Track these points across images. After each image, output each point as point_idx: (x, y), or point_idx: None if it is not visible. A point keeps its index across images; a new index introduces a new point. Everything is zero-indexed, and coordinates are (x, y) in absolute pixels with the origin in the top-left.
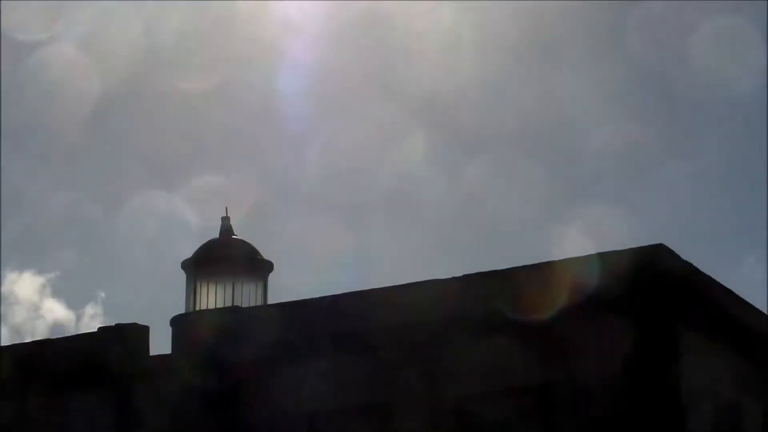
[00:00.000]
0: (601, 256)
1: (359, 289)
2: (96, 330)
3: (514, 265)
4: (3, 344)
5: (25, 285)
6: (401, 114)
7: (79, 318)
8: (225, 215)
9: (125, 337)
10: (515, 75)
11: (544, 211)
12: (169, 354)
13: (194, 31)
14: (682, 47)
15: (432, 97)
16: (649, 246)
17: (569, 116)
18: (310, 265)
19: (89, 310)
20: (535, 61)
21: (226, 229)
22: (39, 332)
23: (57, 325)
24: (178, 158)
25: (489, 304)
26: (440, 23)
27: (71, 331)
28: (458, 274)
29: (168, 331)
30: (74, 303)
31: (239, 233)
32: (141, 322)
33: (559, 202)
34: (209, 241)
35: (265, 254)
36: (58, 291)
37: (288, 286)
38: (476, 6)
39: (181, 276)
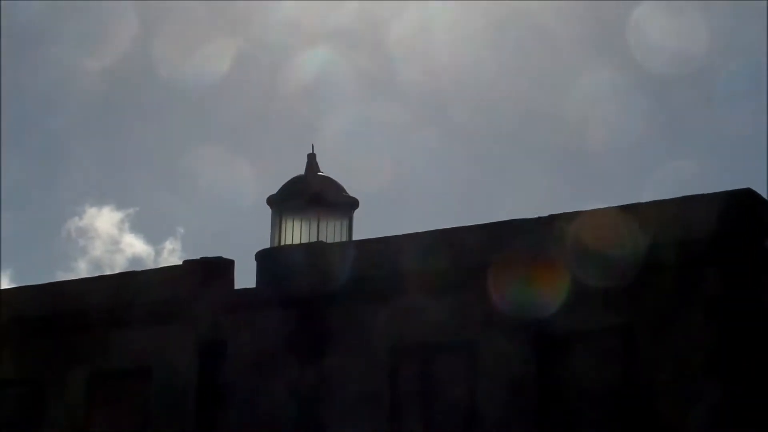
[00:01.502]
0: (686, 199)
1: (446, 227)
2: (181, 263)
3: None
4: (85, 276)
5: (105, 219)
6: None
7: (158, 253)
8: (311, 152)
9: (210, 270)
10: None
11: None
12: (254, 288)
13: None
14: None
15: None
16: (737, 190)
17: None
18: (397, 202)
19: (168, 245)
20: None
21: (312, 165)
22: (118, 266)
23: (136, 259)
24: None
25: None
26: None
27: (150, 266)
28: None
29: (252, 266)
30: (153, 238)
31: (325, 169)
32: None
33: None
34: (295, 177)
35: (351, 191)
36: (137, 226)
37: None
38: None
39: (263, 212)
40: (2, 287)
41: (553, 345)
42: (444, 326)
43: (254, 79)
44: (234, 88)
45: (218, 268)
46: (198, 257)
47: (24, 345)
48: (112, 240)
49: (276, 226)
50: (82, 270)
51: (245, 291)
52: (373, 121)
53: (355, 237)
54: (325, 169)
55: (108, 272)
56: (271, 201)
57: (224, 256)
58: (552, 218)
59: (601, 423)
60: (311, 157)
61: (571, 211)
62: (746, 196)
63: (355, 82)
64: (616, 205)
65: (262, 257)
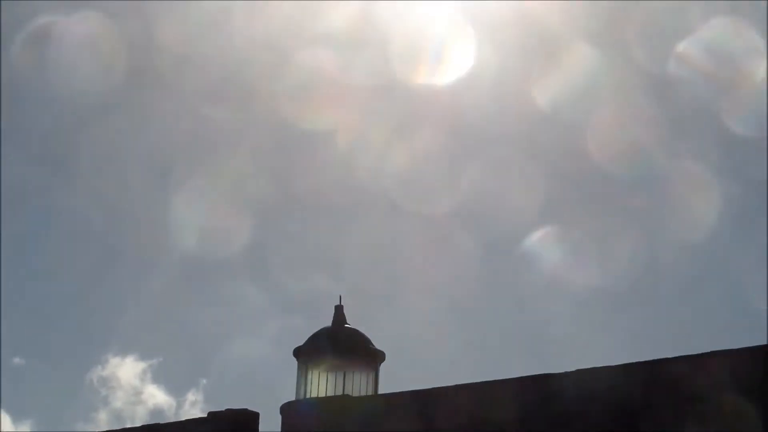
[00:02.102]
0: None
1: (472, 382)
2: (206, 415)
3: None
4: (107, 429)
5: (127, 369)
6: None
7: (179, 405)
8: (339, 303)
9: (236, 422)
10: None
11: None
12: None
13: None
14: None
15: None
16: None
17: None
18: (422, 354)
19: (190, 396)
20: None
21: (339, 317)
22: (139, 417)
23: (157, 410)
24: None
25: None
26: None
27: (170, 418)
28: None
29: (277, 418)
30: (175, 389)
31: (352, 321)
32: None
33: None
34: (322, 329)
35: (377, 343)
36: (159, 376)
37: (399, 375)
38: None
39: (289, 364)
40: None
41: None
42: None
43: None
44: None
45: (243, 420)
46: (221, 409)
47: None
48: (134, 390)
49: (302, 377)
50: (102, 421)
51: None
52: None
53: (381, 390)
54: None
55: (129, 424)
56: (298, 352)
57: (249, 408)
58: None
59: None
60: (338, 309)
61: None
62: None
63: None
64: None
65: (287, 410)
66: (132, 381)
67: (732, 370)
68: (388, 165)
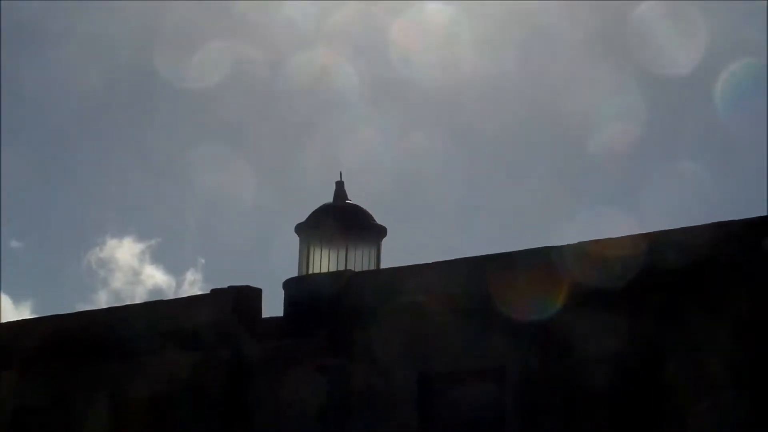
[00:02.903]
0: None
1: (476, 255)
2: (209, 291)
3: None
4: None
5: (125, 251)
6: None
7: (179, 284)
8: (339, 179)
9: (238, 299)
10: None
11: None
12: (281, 317)
13: None
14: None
15: None
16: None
17: None
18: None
19: (189, 276)
20: None
21: (340, 193)
22: (139, 298)
23: (156, 290)
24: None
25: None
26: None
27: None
28: None
29: (279, 295)
30: (174, 269)
31: (353, 197)
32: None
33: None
34: (323, 205)
35: (379, 218)
36: (157, 257)
37: (402, 250)
38: None
39: (290, 241)
40: (26, 317)
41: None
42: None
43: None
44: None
45: (246, 297)
46: (218, 288)
47: (50, 373)
48: (132, 271)
49: (304, 254)
50: (102, 302)
51: (273, 319)
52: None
53: (383, 265)
54: (353, 195)
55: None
56: (299, 229)
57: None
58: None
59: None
60: (339, 185)
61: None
62: None
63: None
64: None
65: (290, 286)
66: (130, 262)
67: None
68: None
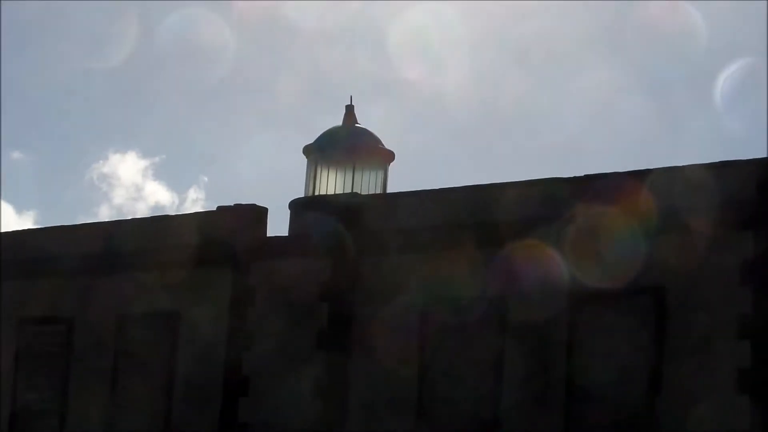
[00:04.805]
0: (726, 165)
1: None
2: (215, 209)
3: None
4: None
5: (128, 166)
6: None
7: (181, 202)
8: (349, 103)
9: (243, 217)
10: None
11: None
12: (286, 236)
13: None
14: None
15: None
16: None
17: None
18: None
19: (192, 194)
20: None
21: (350, 116)
22: (140, 213)
23: (158, 207)
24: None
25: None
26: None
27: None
28: None
29: (285, 216)
30: (176, 186)
31: (363, 122)
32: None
33: None
34: (332, 127)
35: (388, 144)
36: (160, 173)
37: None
38: None
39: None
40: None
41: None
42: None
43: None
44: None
45: (252, 215)
46: (224, 205)
47: (55, 285)
48: (135, 187)
49: (311, 175)
50: (103, 216)
51: (278, 239)
52: None
53: (390, 190)
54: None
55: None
56: (308, 150)
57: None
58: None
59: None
60: (349, 109)
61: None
62: None
63: None
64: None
65: (297, 206)
66: (133, 178)
67: None
68: None
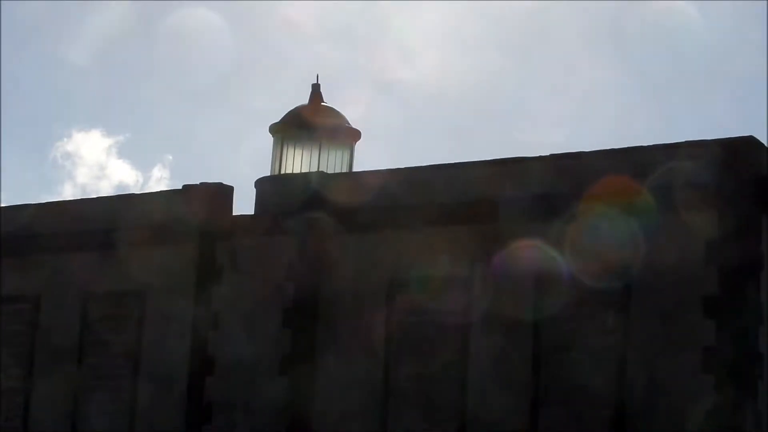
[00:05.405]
0: (689, 144)
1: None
2: (180, 188)
3: None
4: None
5: (92, 145)
6: None
7: (145, 180)
8: (315, 82)
9: (210, 196)
10: None
11: None
12: (252, 215)
13: None
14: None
15: None
16: (738, 138)
17: None
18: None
19: (156, 172)
20: None
21: (316, 95)
22: (104, 192)
23: (122, 185)
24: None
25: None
26: None
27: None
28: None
29: (250, 194)
30: (140, 165)
31: (328, 101)
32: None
33: None
34: (298, 106)
35: (354, 123)
36: (124, 152)
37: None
38: None
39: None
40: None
41: None
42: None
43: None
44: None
45: (218, 194)
46: (190, 184)
47: (22, 263)
48: (98, 165)
49: (277, 154)
50: (67, 194)
51: (243, 217)
52: None
53: (356, 169)
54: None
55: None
56: (274, 129)
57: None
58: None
59: None
60: (315, 87)
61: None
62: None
63: None
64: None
65: (262, 185)
66: (96, 156)
67: None
68: None
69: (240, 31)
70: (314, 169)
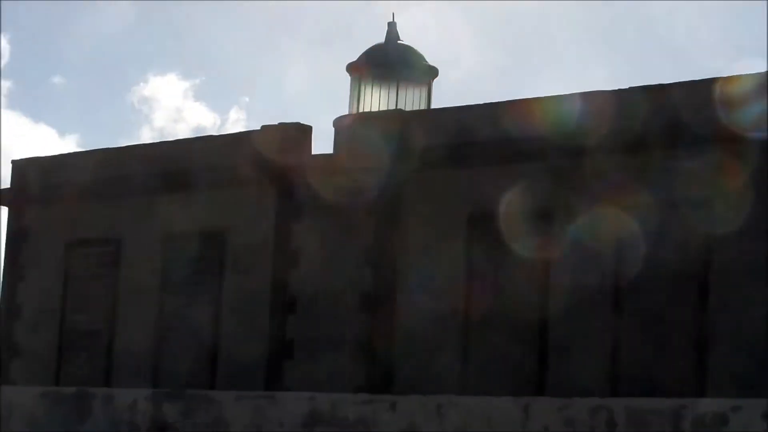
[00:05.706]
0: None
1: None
2: (259, 128)
3: None
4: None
5: (169, 89)
6: None
7: (222, 123)
8: (392, 20)
9: (288, 135)
10: None
11: None
12: (331, 154)
13: None
14: None
15: None
16: None
17: None
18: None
19: (233, 114)
20: None
21: (393, 33)
22: (182, 135)
23: (200, 128)
24: None
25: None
26: None
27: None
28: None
29: (329, 134)
30: (217, 107)
31: (406, 39)
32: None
33: None
34: (375, 45)
35: (432, 61)
36: (201, 95)
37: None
38: None
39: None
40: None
41: None
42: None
43: None
44: None
45: (296, 134)
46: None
47: (102, 206)
48: (176, 109)
49: (354, 93)
50: (145, 138)
51: (323, 157)
52: None
53: (434, 106)
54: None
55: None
56: (351, 68)
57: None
58: None
59: None
60: (392, 26)
61: None
62: None
63: None
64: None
65: (340, 124)
66: (173, 100)
67: None
68: None
69: None
70: (392, 107)
